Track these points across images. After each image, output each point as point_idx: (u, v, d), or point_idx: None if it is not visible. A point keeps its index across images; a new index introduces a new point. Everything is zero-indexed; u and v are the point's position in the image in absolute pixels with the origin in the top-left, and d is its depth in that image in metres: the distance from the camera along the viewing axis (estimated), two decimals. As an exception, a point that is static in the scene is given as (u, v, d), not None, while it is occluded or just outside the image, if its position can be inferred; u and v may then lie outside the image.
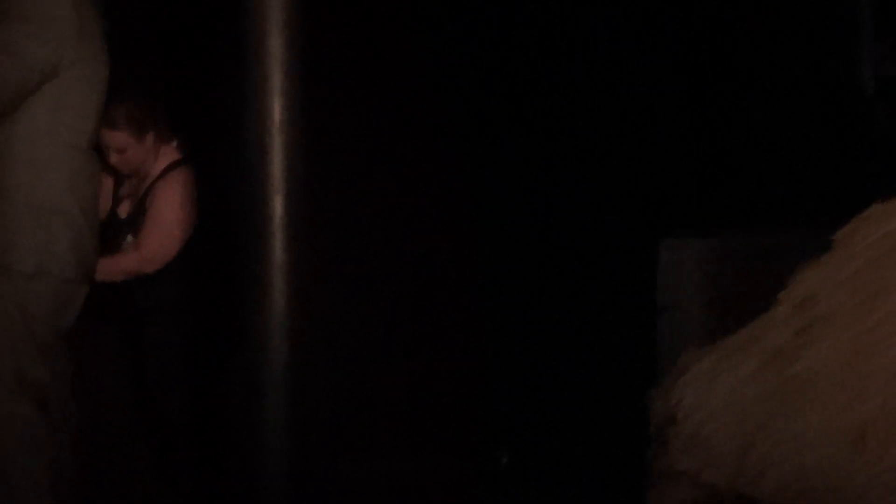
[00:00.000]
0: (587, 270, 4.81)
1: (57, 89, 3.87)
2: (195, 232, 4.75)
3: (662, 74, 5.33)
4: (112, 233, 4.73)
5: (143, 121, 4.71)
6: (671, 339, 3.93)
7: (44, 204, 3.89)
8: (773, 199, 4.71)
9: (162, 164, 4.79)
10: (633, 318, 4.02)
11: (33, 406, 3.94)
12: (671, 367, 3.73)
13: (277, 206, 3.69)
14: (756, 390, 3.50)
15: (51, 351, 3.98)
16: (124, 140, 4.68)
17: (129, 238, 4.79)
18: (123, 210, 4.87)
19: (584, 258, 4.83)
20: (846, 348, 3.46)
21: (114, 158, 4.68)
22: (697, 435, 3.55)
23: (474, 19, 5.32)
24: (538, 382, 5.03)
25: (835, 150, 5.05)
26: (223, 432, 4.51)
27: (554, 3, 5.18)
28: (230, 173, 3.99)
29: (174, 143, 4.81)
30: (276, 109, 3.69)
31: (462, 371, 5.08)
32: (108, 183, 4.72)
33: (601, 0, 5.17)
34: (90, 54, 3.92)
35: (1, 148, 3.87)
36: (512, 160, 5.24)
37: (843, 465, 3.36)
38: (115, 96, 4.35)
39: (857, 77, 4.67)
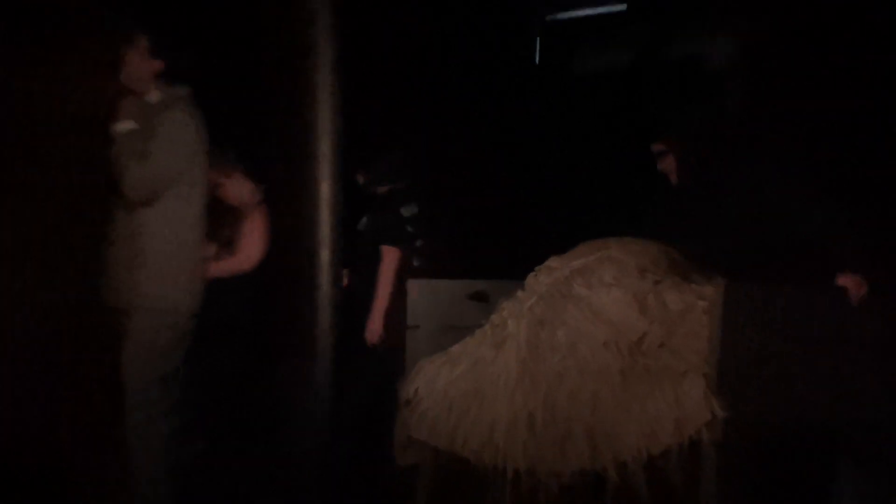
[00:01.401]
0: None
1: (180, 185, 5.13)
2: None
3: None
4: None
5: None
6: (415, 348, 5.08)
7: (171, 261, 5.12)
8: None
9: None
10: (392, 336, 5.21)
11: (160, 419, 5.14)
12: (413, 366, 4.85)
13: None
14: (464, 385, 4.64)
15: (168, 378, 5.17)
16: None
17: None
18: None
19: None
20: (523, 358, 4.58)
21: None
22: (426, 415, 4.69)
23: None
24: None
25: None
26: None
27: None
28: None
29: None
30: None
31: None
32: None
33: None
34: (199, 164, 5.21)
35: (144, 224, 5.12)
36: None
37: (520, 436, 4.49)
38: None
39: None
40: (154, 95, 5.27)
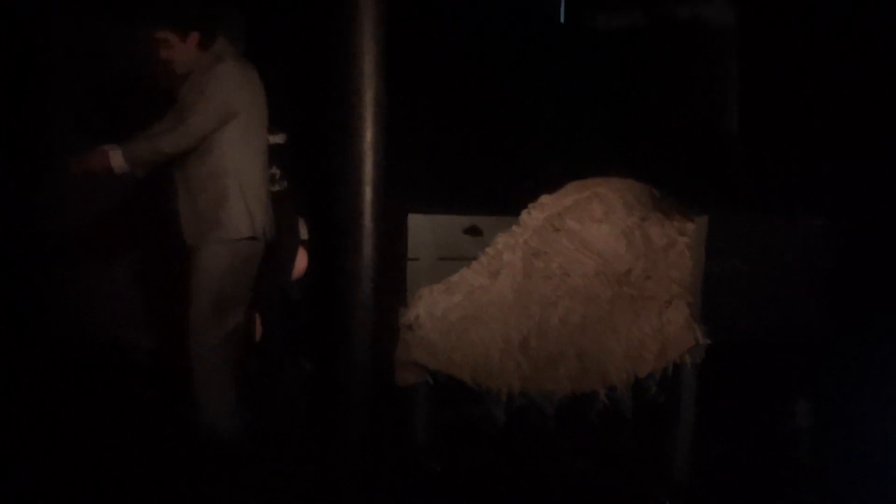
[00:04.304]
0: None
1: (241, 122, 5.37)
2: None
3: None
4: None
5: None
6: (415, 278, 5.06)
7: (247, 193, 5.41)
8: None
9: None
10: (394, 266, 5.10)
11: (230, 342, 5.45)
12: (414, 295, 5.02)
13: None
14: (461, 311, 4.84)
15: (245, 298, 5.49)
16: None
17: None
18: None
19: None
20: (518, 286, 4.80)
21: None
22: (425, 338, 4.86)
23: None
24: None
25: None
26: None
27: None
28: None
29: None
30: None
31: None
32: None
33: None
34: (257, 107, 5.43)
35: (218, 159, 5.38)
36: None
37: (514, 359, 4.72)
38: None
39: None
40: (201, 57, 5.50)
